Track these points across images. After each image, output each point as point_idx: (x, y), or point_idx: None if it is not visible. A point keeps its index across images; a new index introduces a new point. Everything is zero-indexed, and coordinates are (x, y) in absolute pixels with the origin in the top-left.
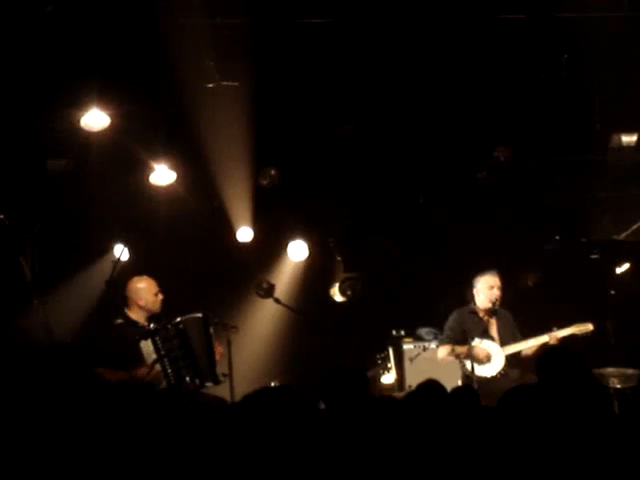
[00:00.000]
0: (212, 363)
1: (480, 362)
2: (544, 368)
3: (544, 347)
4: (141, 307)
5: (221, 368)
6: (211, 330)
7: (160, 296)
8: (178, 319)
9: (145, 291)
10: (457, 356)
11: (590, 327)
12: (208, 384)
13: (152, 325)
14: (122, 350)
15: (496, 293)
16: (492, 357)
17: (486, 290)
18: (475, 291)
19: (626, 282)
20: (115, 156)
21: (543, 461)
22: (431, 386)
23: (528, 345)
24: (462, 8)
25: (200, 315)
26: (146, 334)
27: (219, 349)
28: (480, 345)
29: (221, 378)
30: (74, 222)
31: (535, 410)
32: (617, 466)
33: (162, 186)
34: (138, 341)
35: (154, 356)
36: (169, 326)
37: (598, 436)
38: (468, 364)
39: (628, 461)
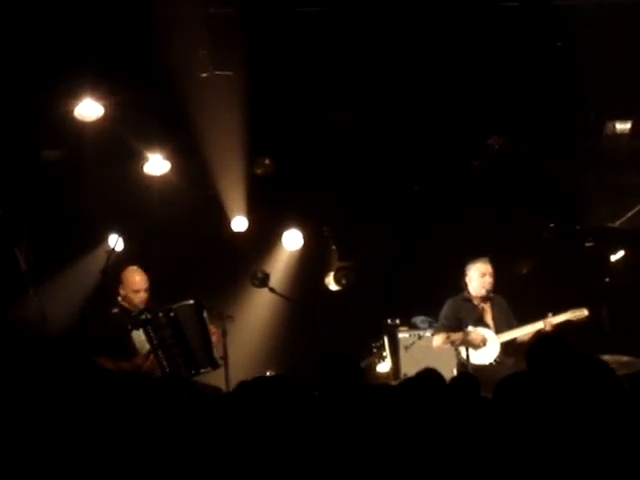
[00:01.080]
0: (209, 348)
1: (477, 347)
2: (532, 358)
3: (539, 333)
4: (123, 297)
5: (217, 352)
6: (205, 315)
7: (142, 295)
8: (169, 307)
9: (127, 283)
10: (453, 343)
11: (585, 312)
12: (204, 370)
13: (144, 315)
14: (117, 339)
15: (488, 280)
16: (487, 342)
17: (478, 278)
18: (467, 279)
19: (621, 269)
20: (109, 146)
21: (540, 448)
22: (429, 375)
23: (523, 332)
24: None
25: (192, 302)
26: (137, 324)
27: (214, 332)
28: (476, 331)
29: (219, 362)
30: (69, 212)
31: (532, 398)
32: (617, 456)
33: (156, 176)
34: (130, 331)
35: (147, 346)
36: (160, 314)
37: (597, 425)
38: (463, 352)
39: (628, 450)
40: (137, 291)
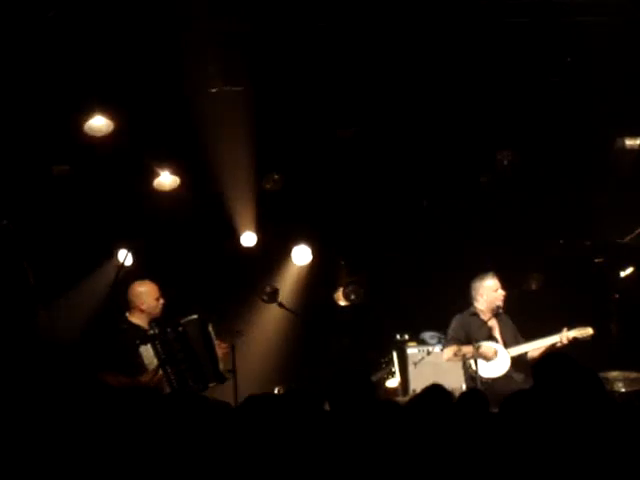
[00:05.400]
0: (215, 362)
1: (489, 359)
2: (539, 374)
3: (553, 347)
4: (143, 311)
5: (225, 366)
6: (210, 328)
7: (161, 301)
8: (177, 321)
9: (146, 295)
10: (464, 356)
11: (590, 331)
12: (212, 384)
13: (151, 330)
14: (125, 355)
15: (502, 293)
16: (499, 355)
17: (492, 293)
18: (478, 295)
19: (630, 285)
20: (119, 161)
21: (545, 465)
22: (435, 391)
23: (536, 346)
24: (465, 12)
25: (196, 316)
26: (145, 339)
27: (222, 346)
28: (487, 344)
29: (227, 375)
30: (78, 227)
31: (537, 415)
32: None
33: (166, 191)
34: (138, 346)
35: (155, 361)
36: (168, 329)
37: (599, 440)
38: (473, 365)
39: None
40: (158, 298)
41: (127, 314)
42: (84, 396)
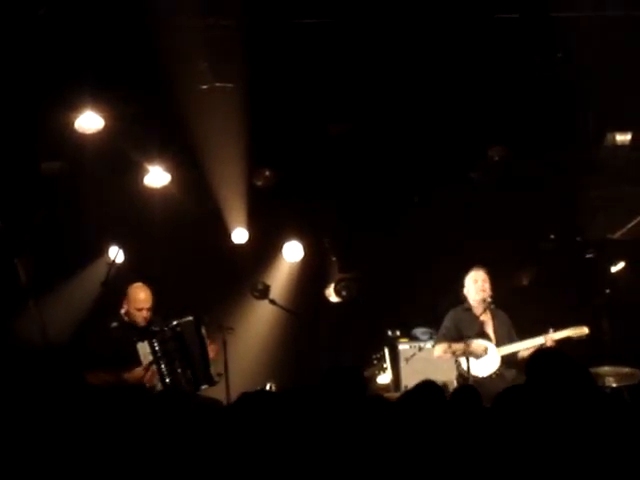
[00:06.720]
0: (206, 365)
1: (478, 356)
2: (533, 370)
3: (542, 348)
4: (126, 312)
5: (216, 368)
6: (203, 331)
7: (144, 313)
8: (175, 322)
9: (132, 300)
10: (454, 353)
11: (585, 330)
12: (203, 387)
13: (150, 327)
14: (118, 352)
15: (481, 285)
16: (489, 352)
17: (472, 284)
18: (465, 290)
19: (621, 281)
20: (109, 158)
21: (537, 462)
22: (428, 387)
23: (524, 346)
24: (456, 8)
25: (191, 318)
26: (144, 336)
27: (212, 348)
28: (477, 341)
29: (216, 378)
30: (69, 224)
31: (529, 412)
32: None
33: (157, 188)
34: (135, 342)
35: (151, 358)
36: (166, 328)
37: (592, 437)
38: (464, 363)
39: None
40: (139, 309)
41: (122, 311)
42: (70, 396)
